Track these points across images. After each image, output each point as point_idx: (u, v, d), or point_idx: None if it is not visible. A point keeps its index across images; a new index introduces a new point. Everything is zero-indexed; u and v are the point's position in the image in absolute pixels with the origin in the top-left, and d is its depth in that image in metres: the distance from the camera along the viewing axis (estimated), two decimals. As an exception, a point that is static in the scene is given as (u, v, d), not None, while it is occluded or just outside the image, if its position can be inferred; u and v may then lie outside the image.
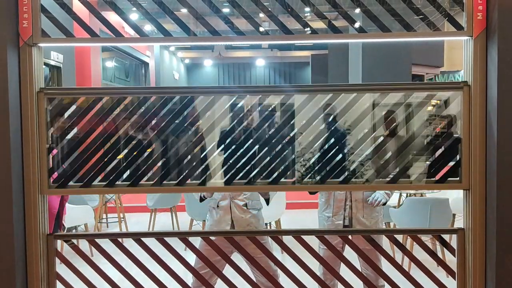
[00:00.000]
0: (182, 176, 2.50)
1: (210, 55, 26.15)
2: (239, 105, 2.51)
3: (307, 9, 2.83)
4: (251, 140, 2.51)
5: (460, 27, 2.45)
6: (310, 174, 2.51)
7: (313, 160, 2.52)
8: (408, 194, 6.35)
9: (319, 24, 2.69)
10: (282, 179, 2.50)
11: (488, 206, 2.41)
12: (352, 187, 2.66)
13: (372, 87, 2.52)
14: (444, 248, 2.67)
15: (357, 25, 2.55)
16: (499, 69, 2.27)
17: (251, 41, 2.60)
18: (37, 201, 2.46)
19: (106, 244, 2.69)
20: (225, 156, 2.54)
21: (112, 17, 2.88)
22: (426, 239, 4.90)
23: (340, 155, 2.51)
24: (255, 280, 2.81)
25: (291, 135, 2.54)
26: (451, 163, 2.53)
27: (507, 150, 2.29)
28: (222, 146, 2.53)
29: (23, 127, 2.43)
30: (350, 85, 2.54)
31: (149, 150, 2.52)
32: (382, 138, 2.56)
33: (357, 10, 2.55)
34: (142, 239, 2.67)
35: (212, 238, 2.93)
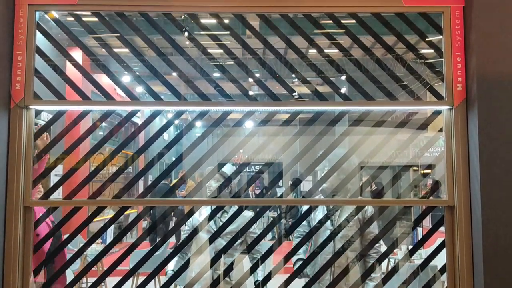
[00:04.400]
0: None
1: (200, 116, 26.59)
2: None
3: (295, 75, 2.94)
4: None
5: (440, 97, 2.56)
6: None
7: None
8: (396, 260, 6.27)
9: (308, 88, 2.78)
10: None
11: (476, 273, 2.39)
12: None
13: (357, 103, 2.62)
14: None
15: (343, 90, 2.65)
16: (480, 140, 2.33)
17: (240, 107, 2.67)
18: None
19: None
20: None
21: (104, 78, 2.94)
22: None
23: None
24: None
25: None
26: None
27: (492, 228, 2.32)
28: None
29: (8, 189, 2.41)
30: (336, 102, 2.63)
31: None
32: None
33: (343, 77, 2.68)
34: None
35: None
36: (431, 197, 2.99)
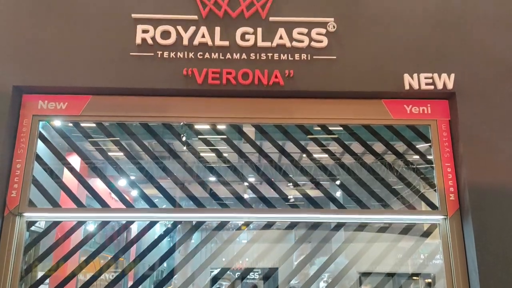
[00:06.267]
0: None
1: (195, 227, 26.34)
2: None
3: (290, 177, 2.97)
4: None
5: (434, 206, 2.55)
6: None
7: None
8: None
9: (303, 192, 2.78)
10: None
11: None
12: None
13: (352, 212, 2.61)
14: None
15: (337, 194, 2.66)
16: (477, 255, 2.27)
17: (235, 214, 2.66)
18: None
19: None
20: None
21: (100, 182, 2.94)
22: None
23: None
24: None
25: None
26: None
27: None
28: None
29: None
30: (334, 210, 2.60)
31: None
32: None
33: (337, 182, 2.76)
34: None
35: None
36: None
